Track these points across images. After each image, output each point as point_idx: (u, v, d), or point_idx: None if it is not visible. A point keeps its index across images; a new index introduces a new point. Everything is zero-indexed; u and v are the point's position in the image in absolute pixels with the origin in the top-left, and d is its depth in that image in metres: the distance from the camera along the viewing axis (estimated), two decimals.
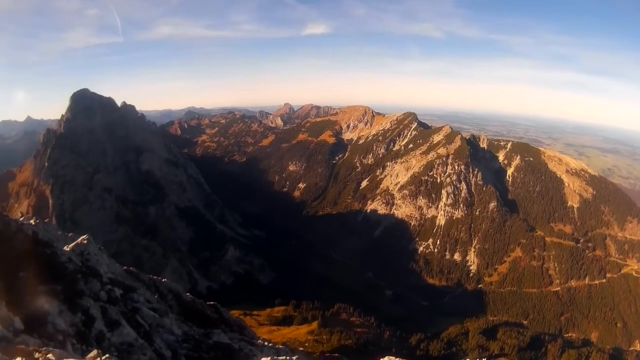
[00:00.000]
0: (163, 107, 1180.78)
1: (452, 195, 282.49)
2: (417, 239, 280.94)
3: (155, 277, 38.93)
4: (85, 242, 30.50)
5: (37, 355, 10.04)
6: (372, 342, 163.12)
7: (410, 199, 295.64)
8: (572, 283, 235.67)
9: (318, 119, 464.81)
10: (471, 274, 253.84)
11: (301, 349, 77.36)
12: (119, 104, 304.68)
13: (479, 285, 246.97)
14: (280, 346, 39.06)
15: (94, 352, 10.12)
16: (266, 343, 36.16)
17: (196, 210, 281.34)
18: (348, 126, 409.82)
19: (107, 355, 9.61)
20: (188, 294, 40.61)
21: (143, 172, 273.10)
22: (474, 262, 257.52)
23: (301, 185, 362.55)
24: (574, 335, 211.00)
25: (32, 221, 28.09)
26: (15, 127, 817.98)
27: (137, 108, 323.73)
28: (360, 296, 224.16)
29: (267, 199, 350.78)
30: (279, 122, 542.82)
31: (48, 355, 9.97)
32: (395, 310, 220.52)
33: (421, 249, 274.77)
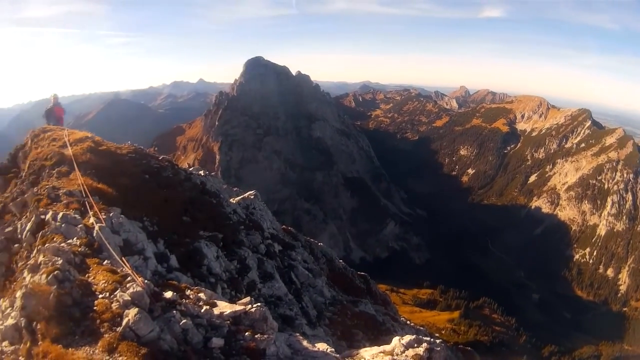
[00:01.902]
0: (338, 79, 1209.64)
1: (616, 205, 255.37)
2: (575, 245, 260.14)
3: (311, 239, 39.71)
4: (252, 197, 31.88)
5: (188, 292, 10.36)
6: (506, 343, 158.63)
7: (575, 201, 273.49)
8: None
9: (493, 105, 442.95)
10: (619, 294, 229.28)
11: (437, 335, 76.02)
12: (293, 73, 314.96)
13: (624, 309, 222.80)
14: (421, 327, 38.46)
15: (247, 299, 10.25)
16: (408, 322, 35.72)
17: (362, 182, 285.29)
18: (522, 116, 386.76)
19: (258, 303, 9.57)
20: (341, 260, 41.03)
21: (314, 139, 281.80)
22: (624, 282, 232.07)
23: (470, 171, 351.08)
24: None
25: (201, 172, 29.56)
26: (187, 87, 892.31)
27: (312, 78, 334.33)
28: (507, 294, 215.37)
29: (434, 180, 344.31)
30: (454, 104, 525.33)
31: (199, 294, 10.23)
32: (537, 316, 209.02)
33: (577, 257, 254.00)
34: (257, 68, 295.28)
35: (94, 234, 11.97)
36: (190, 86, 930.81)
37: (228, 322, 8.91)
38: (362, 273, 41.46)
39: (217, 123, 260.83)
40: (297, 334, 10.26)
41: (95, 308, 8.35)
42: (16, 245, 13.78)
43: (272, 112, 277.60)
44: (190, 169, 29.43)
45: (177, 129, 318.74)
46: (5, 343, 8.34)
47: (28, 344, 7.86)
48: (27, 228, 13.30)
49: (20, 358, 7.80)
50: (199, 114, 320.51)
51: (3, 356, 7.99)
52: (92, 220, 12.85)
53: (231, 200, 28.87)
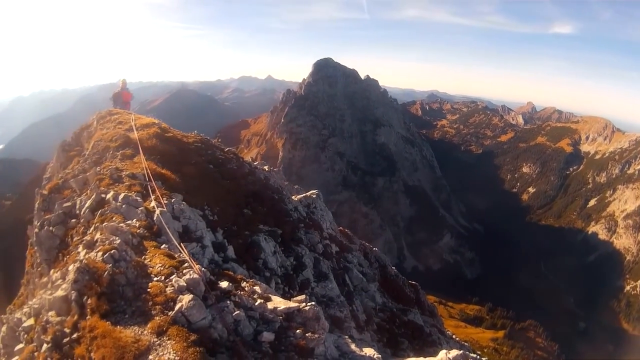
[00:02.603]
0: (406, 86, 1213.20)
1: None
2: (627, 276, 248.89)
3: (366, 243, 39.49)
4: (314, 196, 31.91)
5: (244, 284, 10.50)
6: None
7: (632, 230, 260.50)
8: None
9: (559, 124, 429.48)
10: None
11: (479, 352, 74.88)
12: (362, 76, 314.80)
13: None
14: (465, 343, 37.81)
15: (302, 297, 10.41)
16: (454, 336, 35.20)
17: (423, 191, 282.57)
18: (587, 137, 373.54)
19: (313, 303, 9.63)
20: (393, 268, 40.68)
21: (378, 144, 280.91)
22: None
23: (531, 190, 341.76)
24: None
25: (265, 167, 29.74)
26: (254, 83, 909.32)
27: (380, 83, 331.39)
28: (553, 319, 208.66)
29: (494, 196, 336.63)
30: (520, 120, 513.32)
31: (255, 287, 10.37)
32: (580, 345, 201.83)
33: (628, 288, 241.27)
34: (326, 69, 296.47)
35: (154, 218, 12.13)
36: (258, 82, 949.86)
37: (281, 317, 9.05)
38: (413, 282, 41.03)
39: (282, 120, 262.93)
40: (346, 337, 10.31)
41: (148, 290, 8.50)
42: (73, 220, 14.16)
43: (338, 114, 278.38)
44: (255, 163, 29.69)
45: (242, 123, 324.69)
46: (51, 313, 8.54)
47: (75, 317, 8.06)
48: (87, 205, 13.63)
49: (65, 329, 7.99)
50: (265, 110, 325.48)
51: (48, 325, 8.17)
52: (153, 204, 13.05)
53: (293, 197, 28.96)
